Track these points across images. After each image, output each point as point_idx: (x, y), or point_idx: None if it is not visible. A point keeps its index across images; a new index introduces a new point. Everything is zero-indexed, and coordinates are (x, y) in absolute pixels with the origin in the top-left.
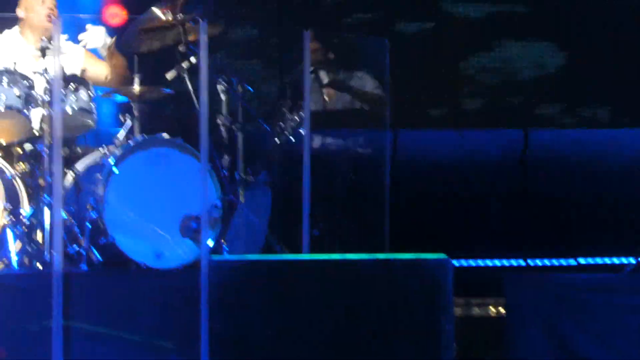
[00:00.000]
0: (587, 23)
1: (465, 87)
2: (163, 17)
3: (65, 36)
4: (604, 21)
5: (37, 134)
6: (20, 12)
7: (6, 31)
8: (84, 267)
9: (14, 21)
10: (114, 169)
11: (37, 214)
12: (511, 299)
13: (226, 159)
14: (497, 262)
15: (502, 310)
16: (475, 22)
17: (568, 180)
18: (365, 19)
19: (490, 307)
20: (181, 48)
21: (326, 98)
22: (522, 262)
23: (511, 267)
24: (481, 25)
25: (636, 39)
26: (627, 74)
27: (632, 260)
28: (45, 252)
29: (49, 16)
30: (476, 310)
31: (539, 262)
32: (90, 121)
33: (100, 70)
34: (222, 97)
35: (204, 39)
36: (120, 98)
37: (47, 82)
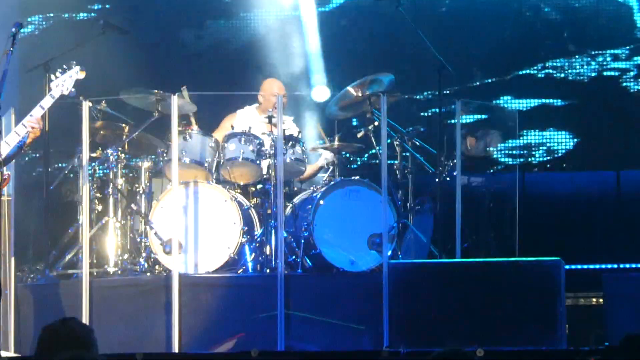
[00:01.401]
0: None
1: None
2: (355, 94)
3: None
4: None
5: (265, 177)
6: (260, 97)
7: (246, 107)
8: (299, 271)
9: (253, 99)
10: (320, 202)
11: (265, 234)
12: (608, 291)
13: (400, 193)
14: (597, 266)
15: (600, 300)
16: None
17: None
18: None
19: (592, 299)
20: (368, 115)
21: (469, 147)
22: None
23: (607, 269)
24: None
25: None
26: None
27: None
28: (272, 261)
29: (274, 107)
30: (582, 301)
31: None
32: (303, 168)
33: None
34: (397, 149)
35: (384, 109)
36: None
37: (272, 140)
